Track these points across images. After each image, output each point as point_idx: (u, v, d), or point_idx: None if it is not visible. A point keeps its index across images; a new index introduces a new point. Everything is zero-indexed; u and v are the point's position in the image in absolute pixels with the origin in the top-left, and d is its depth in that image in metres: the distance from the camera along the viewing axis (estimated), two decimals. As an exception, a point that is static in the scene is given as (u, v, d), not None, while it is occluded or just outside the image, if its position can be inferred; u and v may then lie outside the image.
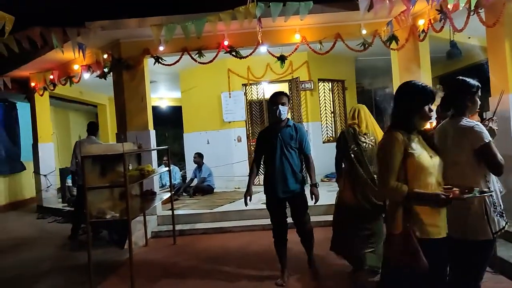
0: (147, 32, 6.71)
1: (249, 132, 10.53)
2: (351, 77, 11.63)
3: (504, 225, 2.86)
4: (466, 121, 2.88)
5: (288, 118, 4.51)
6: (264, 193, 4.62)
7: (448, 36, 6.54)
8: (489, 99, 5.29)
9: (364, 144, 4.44)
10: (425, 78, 7.42)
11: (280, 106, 4.39)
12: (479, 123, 2.86)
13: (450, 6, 5.55)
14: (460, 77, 3.04)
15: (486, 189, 2.74)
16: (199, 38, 6.18)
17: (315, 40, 7.39)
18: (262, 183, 4.71)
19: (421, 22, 6.77)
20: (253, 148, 10.53)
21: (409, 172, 2.54)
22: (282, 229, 4.54)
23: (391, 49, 7.47)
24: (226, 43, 7.23)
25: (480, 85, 2.99)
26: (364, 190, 4.40)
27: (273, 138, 4.42)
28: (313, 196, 4.49)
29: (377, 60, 10.51)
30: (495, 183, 2.91)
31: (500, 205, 2.86)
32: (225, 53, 7.31)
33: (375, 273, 4.32)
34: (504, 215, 2.87)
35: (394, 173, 2.53)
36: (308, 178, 4.59)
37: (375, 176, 4.35)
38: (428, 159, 2.58)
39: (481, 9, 5.32)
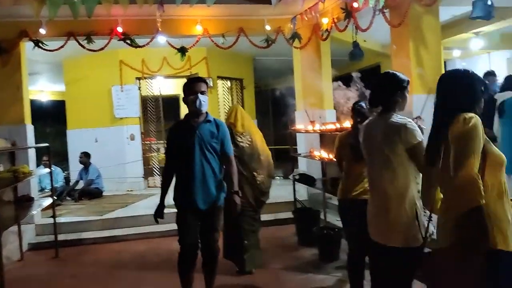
0: (26, 11, 5.83)
1: (143, 129, 9.90)
2: (249, 76, 11.62)
3: (433, 230, 2.70)
4: (397, 118, 2.68)
5: (207, 112, 3.74)
6: (176, 205, 3.71)
7: (348, 38, 6.63)
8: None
9: (242, 144, 4.56)
10: (326, 78, 7.48)
11: (199, 95, 3.57)
12: (411, 120, 2.68)
13: (358, 5, 5.52)
14: (390, 71, 2.87)
15: None
16: (90, 17, 5.41)
17: (218, 33, 7.04)
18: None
19: (324, 21, 6.74)
20: (147, 148, 9.93)
21: (486, 167, 2.08)
22: (195, 252, 3.68)
23: (294, 47, 7.40)
24: (120, 29, 6.52)
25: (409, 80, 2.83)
26: (249, 188, 4.58)
27: (189, 135, 3.59)
28: (234, 205, 3.74)
29: (275, 61, 10.59)
30: (424, 185, 2.76)
31: (429, 209, 2.71)
32: (118, 40, 6.60)
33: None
34: (432, 219, 2.71)
35: (477, 163, 2.01)
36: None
37: (254, 173, 4.61)
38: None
39: (386, 9, 5.36)
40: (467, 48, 9.11)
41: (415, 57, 5.12)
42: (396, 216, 2.63)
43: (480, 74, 7.55)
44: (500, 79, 6.79)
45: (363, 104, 3.73)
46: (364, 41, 8.75)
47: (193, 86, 3.62)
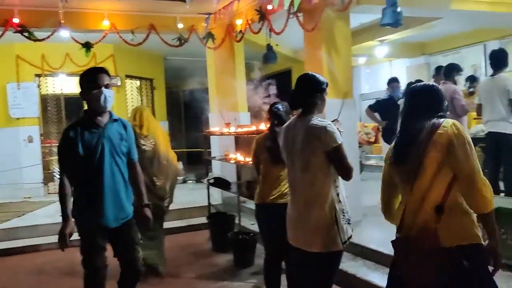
0: None
1: (43, 131, 9.20)
2: (160, 76, 11.33)
3: (351, 233, 2.71)
4: (317, 120, 2.64)
5: (109, 110, 3.15)
6: (77, 224, 3.07)
7: (261, 42, 6.66)
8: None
9: (144, 147, 4.41)
10: (240, 80, 7.42)
11: (104, 89, 2.99)
12: (331, 122, 2.66)
13: (273, 7, 5.52)
14: (310, 73, 2.83)
15: None
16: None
17: (126, 29, 6.71)
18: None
19: (239, 22, 6.68)
20: (47, 151, 9.19)
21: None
22: (104, 276, 3.17)
23: (208, 47, 7.26)
24: (16, 20, 5.92)
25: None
26: (147, 193, 4.25)
27: (96, 138, 3.03)
28: (146, 220, 3.32)
29: (188, 61, 10.38)
30: (342, 189, 2.75)
31: (348, 212, 2.70)
32: (14, 32, 6.00)
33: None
34: (350, 222, 2.72)
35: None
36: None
37: (154, 178, 4.47)
38: None
39: (300, 13, 5.40)
40: (372, 56, 9.59)
41: (327, 62, 5.21)
42: (317, 220, 2.60)
43: (384, 80, 8.07)
44: (402, 85, 7.23)
45: (279, 106, 3.68)
46: (277, 45, 8.82)
47: (95, 78, 3.03)
